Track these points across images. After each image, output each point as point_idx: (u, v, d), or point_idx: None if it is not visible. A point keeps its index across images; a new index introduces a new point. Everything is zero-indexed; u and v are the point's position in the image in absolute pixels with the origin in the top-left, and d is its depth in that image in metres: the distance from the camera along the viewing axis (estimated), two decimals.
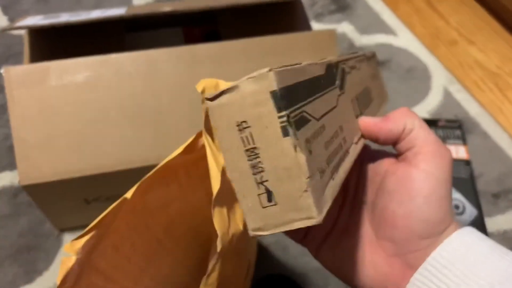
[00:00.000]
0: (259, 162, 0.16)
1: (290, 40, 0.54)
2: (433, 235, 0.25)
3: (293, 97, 0.17)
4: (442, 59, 0.81)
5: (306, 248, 0.31)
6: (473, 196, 0.61)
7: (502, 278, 0.23)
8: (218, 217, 0.26)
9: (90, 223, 0.60)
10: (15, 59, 0.74)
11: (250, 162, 0.16)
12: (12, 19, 0.79)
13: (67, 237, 0.58)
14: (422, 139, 0.27)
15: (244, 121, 0.17)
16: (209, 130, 0.24)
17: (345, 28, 0.83)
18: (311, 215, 0.16)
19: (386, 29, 0.84)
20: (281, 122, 0.16)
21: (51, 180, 0.47)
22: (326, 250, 0.30)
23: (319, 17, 0.84)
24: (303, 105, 0.17)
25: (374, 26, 0.84)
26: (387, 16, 0.86)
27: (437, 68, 0.80)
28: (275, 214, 0.16)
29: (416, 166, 0.26)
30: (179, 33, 0.66)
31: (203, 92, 0.25)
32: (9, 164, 0.63)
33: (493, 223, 0.62)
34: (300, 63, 0.20)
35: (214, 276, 0.26)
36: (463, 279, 0.24)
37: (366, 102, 0.33)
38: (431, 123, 0.69)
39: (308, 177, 0.16)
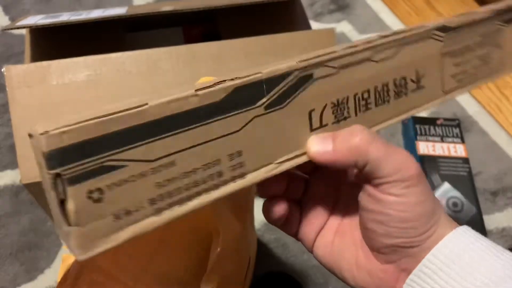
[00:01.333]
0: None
1: (289, 39, 0.54)
2: (419, 243, 0.25)
3: (76, 153, 0.18)
4: None
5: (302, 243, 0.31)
6: (471, 194, 0.61)
7: (497, 278, 0.23)
8: (219, 216, 0.27)
9: None
10: (16, 58, 0.74)
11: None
12: (13, 19, 0.79)
13: None
14: (385, 164, 0.25)
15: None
16: None
17: (344, 27, 0.84)
18: (74, 254, 0.19)
19: (385, 28, 0.84)
20: (50, 179, 0.18)
21: None
22: (321, 247, 0.30)
23: (318, 16, 0.84)
24: (104, 156, 0.19)
25: (373, 25, 0.85)
26: (386, 15, 0.87)
27: None
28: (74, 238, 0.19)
29: (384, 191, 0.25)
30: (179, 33, 0.66)
31: None
32: (11, 163, 0.64)
33: (491, 220, 0.62)
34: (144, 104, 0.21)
35: (215, 273, 0.26)
36: (458, 280, 0.24)
37: (385, 96, 0.30)
38: (430, 121, 0.69)
39: (72, 225, 0.18)
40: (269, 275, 0.56)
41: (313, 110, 0.27)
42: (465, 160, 0.65)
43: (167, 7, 0.54)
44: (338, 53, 0.27)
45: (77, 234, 0.19)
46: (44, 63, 0.49)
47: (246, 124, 0.24)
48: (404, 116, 0.32)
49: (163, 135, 0.21)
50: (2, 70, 0.49)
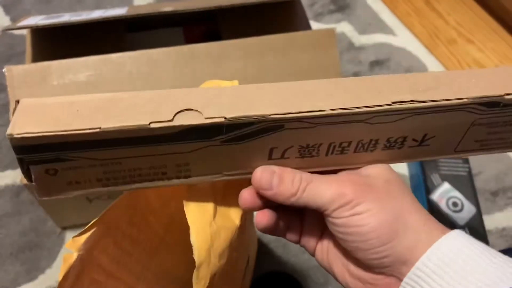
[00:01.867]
0: None
1: (289, 39, 0.54)
2: (390, 252, 0.26)
3: (34, 149, 0.23)
4: (441, 58, 0.81)
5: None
6: (471, 194, 0.61)
7: (490, 282, 0.23)
8: (193, 212, 0.27)
9: (91, 220, 0.60)
10: (17, 58, 0.74)
11: None
12: (14, 19, 0.79)
13: (69, 235, 0.59)
14: (320, 206, 0.27)
15: None
16: None
17: (344, 27, 0.84)
18: (37, 196, 0.27)
19: (385, 29, 0.84)
20: (17, 159, 0.24)
21: None
22: (319, 253, 0.31)
23: (318, 16, 0.85)
24: (59, 152, 0.24)
25: (373, 25, 0.85)
26: (386, 15, 0.87)
27: (436, 67, 0.80)
28: None
29: (335, 217, 0.26)
30: (179, 33, 0.67)
31: None
32: (12, 163, 0.64)
33: (491, 220, 0.62)
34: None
35: (204, 269, 0.26)
36: (451, 283, 0.24)
37: (369, 147, 0.27)
38: None
39: (33, 182, 0.26)
40: (269, 275, 0.56)
41: (275, 147, 0.26)
42: (465, 160, 0.65)
43: (167, 7, 0.54)
44: (324, 112, 0.24)
45: (36, 187, 0.25)
46: (45, 63, 0.49)
47: (198, 149, 0.25)
48: (389, 162, 0.29)
49: (112, 148, 0.24)
50: (3, 70, 0.49)
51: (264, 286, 0.55)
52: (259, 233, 0.60)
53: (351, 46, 0.81)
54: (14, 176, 0.63)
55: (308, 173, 0.27)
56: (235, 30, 0.62)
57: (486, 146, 0.31)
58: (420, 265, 0.25)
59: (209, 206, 0.28)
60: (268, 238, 0.60)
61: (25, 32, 0.77)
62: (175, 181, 0.27)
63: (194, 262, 0.27)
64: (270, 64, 0.53)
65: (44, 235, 0.59)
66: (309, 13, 0.84)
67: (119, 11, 0.55)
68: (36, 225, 0.59)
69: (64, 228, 0.59)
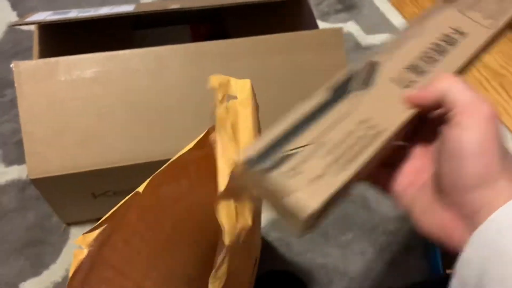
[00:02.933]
0: None
1: (296, 38, 0.54)
2: (487, 183, 0.26)
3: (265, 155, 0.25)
4: None
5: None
6: None
7: None
8: (224, 212, 0.27)
9: (97, 217, 0.60)
10: (24, 54, 0.74)
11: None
12: (20, 15, 0.79)
13: (74, 231, 0.59)
14: (461, 100, 0.28)
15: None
16: (223, 126, 0.29)
17: (351, 27, 0.84)
18: (308, 206, 0.24)
19: (392, 29, 0.84)
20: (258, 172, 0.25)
21: (59, 174, 0.48)
22: (407, 184, 0.32)
23: (325, 16, 0.84)
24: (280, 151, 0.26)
25: (380, 26, 0.85)
26: (393, 16, 0.86)
27: None
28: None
29: (455, 126, 0.27)
30: (186, 31, 0.67)
31: (215, 88, 0.26)
32: (17, 158, 0.64)
33: None
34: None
35: (223, 270, 0.26)
36: None
37: (442, 49, 0.34)
38: None
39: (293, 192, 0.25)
40: (272, 273, 0.56)
41: (393, 78, 0.32)
42: None
43: (174, 5, 0.54)
44: None
45: (300, 196, 0.25)
46: (52, 59, 0.49)
47: (354, 102, 0.30)
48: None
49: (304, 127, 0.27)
50: (11, 66, 0.49)
51: (267, 285, 0.55)
52: (262, 231, 0.60)
53: (357, 46, 0.81)
54: (19, 172, 0.63)
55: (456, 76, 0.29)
56: (242, 29, 0.62)
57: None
58: (495, 217, 0.25)
59: (233, 207, 0.28)
60: (271, 237, 0.60)
61: (32, 28, 0.77)
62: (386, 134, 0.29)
63: (201, 260, 0.27)
64: (277, 63, 0.53)
65: (49, 231, 0.59)
66: (315, 12, 0.84)
67: (126, 8, 0.55)
68: (41, 220, 0.60)
69: (69, 224, 0.60)
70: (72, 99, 0.49)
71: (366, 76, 0.32)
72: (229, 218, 0.27)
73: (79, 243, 0.29)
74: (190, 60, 0.51)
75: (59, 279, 0.56)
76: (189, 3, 0.55)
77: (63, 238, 0.59)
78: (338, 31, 0.55)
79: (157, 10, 0.53)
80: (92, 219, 0.60)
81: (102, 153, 0.48)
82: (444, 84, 0.29)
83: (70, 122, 0.48)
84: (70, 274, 0.28)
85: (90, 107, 0.49)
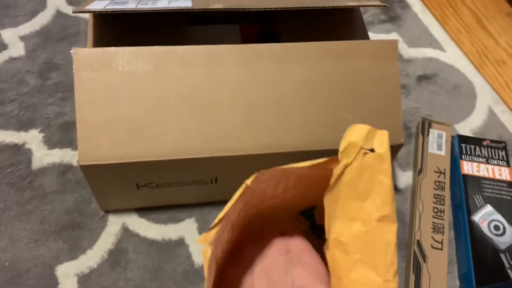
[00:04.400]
0: None
1: (350, 47, 0.54)
2: None
3: None
4: (488, 78, 0.81)
5: None
6: None
7: None
8: None
9: (135, 207, 0.62)
10: (70, 39, 0.75)
11: None
12: (70, 1, 0.80)
13: (111, 219, 0.60)
14: None
15: None
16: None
17: (394, 38, 0.83)
18: None
19: (435, 43, 0.84)
20: None
21: (109, 163, 0.49)
22: None
23: (369, 25, 0.84)
24: None
25: (422, 39, 0.84)
26: (436, 30, 0.86)
27: (483, 87, 0.79)
28: None
29: None
30: (236, 30, 0.67)
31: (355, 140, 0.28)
32: (59, 141, 0.65)
33: None
34: None
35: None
36: None
37: None
38: (476, 142, 0.69)
39: None
40: None
41: None
42: (510, 184, 0.64)
43: (225, 4, 0.54)
44: None
45: None
46: (112, 49, 0.50)
47: None
48: None
49: None
50: (71, 51, 0.50)
51: None
52: None
53: (400, 58, 0.81)
54: (61, 155, 0.64)
55: None
56: (292, 32, 0.62)
57: None
58: None
59: None
60: None
61: (79, 15, 0.78)
62: None
63: None
64: (330, 69, 0.53)
65: (87, 216, 0.60)
66: None
67: (184, 4, 0.55)
68: (80, 205, 0.60)
69: (107, 212, 0.60)
70: (128, 90, 0.49)
71: None
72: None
73: (201, 242, 0.31)
74: (244, 60, 0.52)
75: (95, 265, 0.56)
76: (244, 4, 0.55)
77: (101, 225, 0.59)
78: (394, 43, 0.55)
79: (215, 9, 0.53)
80: (130, 209, 0.60)
81: (152, 145, 0.49)
82: None
83: (124, 112, 0.49)
84: (206, 275, 0.29)
85: (144, 99, 0.49)
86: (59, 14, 0.78)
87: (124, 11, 0.53)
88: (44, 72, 0.71)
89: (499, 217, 0.61)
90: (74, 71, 0.49)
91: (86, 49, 0.50)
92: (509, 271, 0.56)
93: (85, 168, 0.49)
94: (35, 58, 0.73)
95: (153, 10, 0.53)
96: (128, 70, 0.49)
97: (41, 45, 0.74)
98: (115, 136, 0.49)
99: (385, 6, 0.56)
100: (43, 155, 0.64)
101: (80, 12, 0.54)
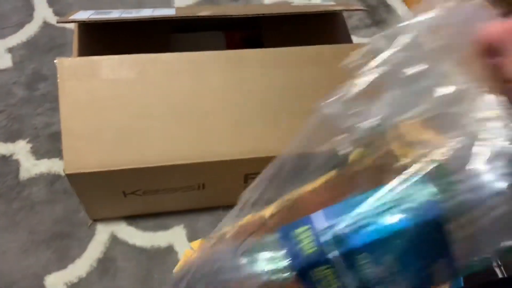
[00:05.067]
0: None
1: (333, 51, 0.55)
2: None
3: None
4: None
5: None
6: None
7: None
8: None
9: (123, 215, 0.62)
10: (58, 50, 0.75)
11: None
12: (56, 12, 0.81)
13: (100, 227, 0.60)
14: None
15: None
16: None
17: None
18: None
19: None
20: None
21: (94, 171, 0.49)
22: None
23: (354, 30, 0.85)
24: None
25: None
26: None
27: None
28: None
29: None
30: (221, 37, 0.68)
31: None
32: (48, 151, 0.65)
33: None
34: None
35: None
36: None
37: None
38: None
39: None
40: None
41: None
42: None
43: (210, 11, 0.55)
44: None
45: None
46: (95, 58, 0.50)
47: None
48: None
49: None
50: (55, 61, 0.50)
51: None
52: None
53: None
54: (49, 165, 0.64)
55: None
56: (276, 38, 0.63)
57: None
58: None
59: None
60: None
61: (66, 25, 0.78)
62: None
63: None
64: (314, 74, 0.53)
65: (76, 225, 0.60)
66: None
67: (168, 12, 0.56)
68: (69, 215, 0.60)
69: (95, 220, 0.60)
70: (113, 98, 0.49)
71: None
72: None
73: (194, 247, 0.31)
74: (228, 66, 0.52)
75: (84, 274, 0.56)
76: (229, 11, 0.56)
77: (90, 234, 0.59)
78: None
79: (199, 16, 0.54)
80: (119, 217, 0.60)
81: (138, 153, 0.49)
82: None
83: (109, 120, 0.49)
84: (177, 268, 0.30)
85: (129, 107, 0.49)
86: (46, 25, 0.78)
87: (108, 20, 0.53)
88: (31, 83, 0.72)
89: None
90: (58, 80, 0.49)
91: (70, 58, 0.50)
92: (496, 269, 0.56)
93: (71, 177, 0.49)
94: (23, 69, 0.73)
95: (137, 19, 0.53)
96: (113, 79, 0.50)
97: (28, 56, 0.74)
98: (100, 144, 0.49)
99: (367, 10, 0.57)
100: (31, 166, 0.64)
101: (64, 22, 0.54)
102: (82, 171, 0.49)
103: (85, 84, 0.50)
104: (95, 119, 0.49)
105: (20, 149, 0.65)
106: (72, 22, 0.53)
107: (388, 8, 0.90)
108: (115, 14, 0.55)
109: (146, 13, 0.56)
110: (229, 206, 0.32)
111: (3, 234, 0.58)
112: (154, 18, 0.53)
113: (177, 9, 0.58)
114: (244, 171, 0.54)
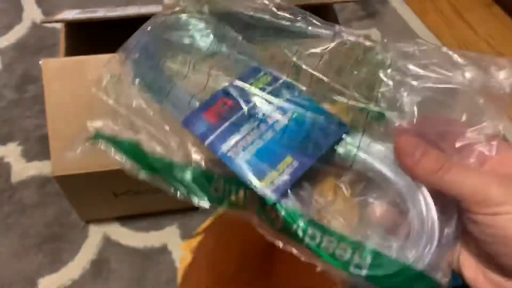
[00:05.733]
0: None
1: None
2: None
3: None
4: None
5: None
6: None
7: None
8: None
9: (115, 215, 0.61)
10: (47, 51, 0.75)
11: None
12: (45, 12, 0.80)
13: (92, 229, 0.59)
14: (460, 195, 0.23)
15: None
16: None
17: (373, 34, 0.83)
18: None
19: (415, 38, 0.84)
20: None
21: (83, 172, 0.48)
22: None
23: (347, 22, 0.84)
24: None
25: (402, 34, 0.84)
26: (416, 24, 0.86)
27: None
28: None
29: (489, 215, 0.23)
30: None
31: None
32: (38, 154, 0.65)
33: None
34: None
35: None
36: None
37: None
38: None
39: None
40: None
41: None
42: None
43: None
44: None
45: None
46: (80, 58, 0.49)
47: None
48: None
49: None
50: (40, 63, 0.49)
51: None
52: None
53: None
54: (40, 168, 0.64)
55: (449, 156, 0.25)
56: None
57: None
58: None
59: None
60: None
61: (55, 25, 0.77)
62: None
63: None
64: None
65: (68, 228, 0.59)
66: (338, 18, 0.84)
67: (154, 9, 0.55)
68: (60, 217, 0.60)
69: (88, 222, 0.60)
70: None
71: None
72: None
73: (183, 249, 0.30)
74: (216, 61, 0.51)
75: (77, 277, 0.56)
76: None
77: (82, 236, 0.59)
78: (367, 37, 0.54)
79: None
80: (111, 218, 0.60)
81: None
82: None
83: None
84: (179, 280, 0.29)
85: None
86: (35, 26, 0.77)
87: (93, 19, 0.52)
88: (21, 85, 0.71)
89: None
90: (44, 82, 0.49)
91: (55, 59, 0.49)
92: None
93: (59, 179, 0.49)
94: (12, 71, 0.72)
95: (123, 17, 0.52)
96: (98, 79, 0.49)
97: (17, 58, 0.74)
98: (87, 145, 0.48)
99: (356, 1, 0.56)
100: (22, 168, 0.63)
101: (49, 22, 0.53)
102: (70, 172, 0.48)
103: (70, 85, 0.49)
104: (81, 119, 0.48)
105: (11, 152, 0.65)
106: (56, 22, 0.53)
107: None
108: (100, 13, 0.54)
109: (132, 10, 0.55)
110: None
111: None
112: (140, 15, 0.52)
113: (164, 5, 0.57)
114: None
